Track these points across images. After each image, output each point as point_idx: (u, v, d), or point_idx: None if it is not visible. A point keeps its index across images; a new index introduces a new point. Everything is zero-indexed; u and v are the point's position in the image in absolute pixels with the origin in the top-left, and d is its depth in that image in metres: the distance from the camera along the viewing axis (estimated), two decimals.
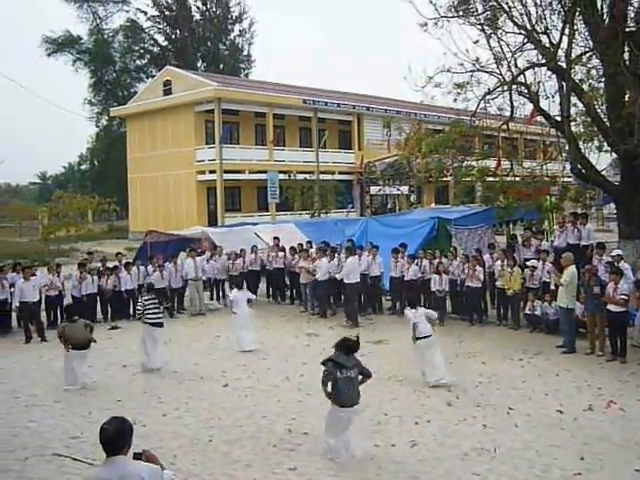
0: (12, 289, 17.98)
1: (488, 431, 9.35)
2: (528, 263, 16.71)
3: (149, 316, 13.54)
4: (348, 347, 8.72)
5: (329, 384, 8.62)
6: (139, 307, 13.88)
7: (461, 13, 18.45)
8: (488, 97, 19.13)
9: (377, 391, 11.39)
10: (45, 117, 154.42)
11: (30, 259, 24.63)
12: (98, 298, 19.34)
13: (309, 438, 9.30)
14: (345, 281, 17.76)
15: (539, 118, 20.81)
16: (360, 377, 8.83)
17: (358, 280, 17.76)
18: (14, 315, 18.09)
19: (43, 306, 18.42)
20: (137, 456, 4.88)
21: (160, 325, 13.70)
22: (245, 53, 70.38)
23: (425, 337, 11.87)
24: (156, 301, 13.85)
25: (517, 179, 20.61)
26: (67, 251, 35.46)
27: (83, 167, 78.06)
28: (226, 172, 40.54)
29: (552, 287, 15.36)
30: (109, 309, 19.41)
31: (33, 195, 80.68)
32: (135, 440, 8.99)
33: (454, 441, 8.99)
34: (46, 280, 18.50)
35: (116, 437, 4.74)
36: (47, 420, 10.26)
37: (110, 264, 20.31)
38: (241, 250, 21.45)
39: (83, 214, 37.50)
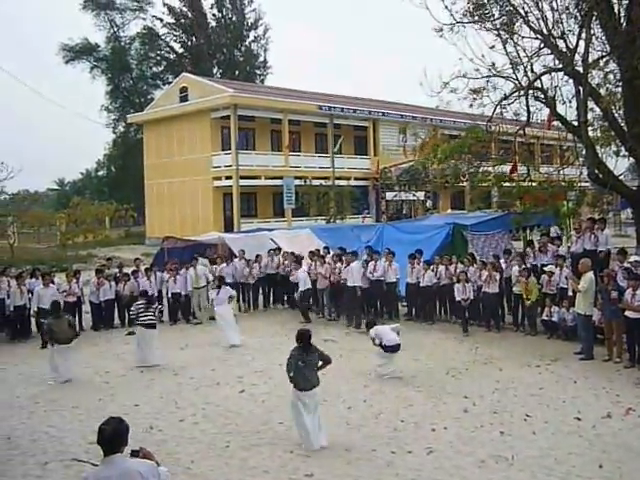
0: (30, 295, 18.18)
1: (505, 438, 9.31)
2: (546, 268, 16.62)
3: (142, 319, 14.62)
4: (307, 337, 9.55)
5: (292, 371, 9.43)
6: (133, 311, 15.14)
7: (477, 18, 18.43)
8: (504, 102, 19.08)
9: (393, 397, 11.43)
10: (63, 124, 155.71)
11: (48, 265, 24.83)
12: (115, 304, 19.46)
13: (326, 444, 9.28)
14: (348, 284, 18.27)
15: (556, 123, 20.72)
16: (320, 363, 9.61)
17: (360, 284, 18.17)
18: (33, 321, 18.25)
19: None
20: (134, 453, 5.11)
21: (153, 327, 14.69)
22: (260, 59, 70.66)
23: (392, 346, 12.71)
24: (148, 305, 14.92)
25: (534, 184, 20.51)
26: (85, 257, 35.71)
27: (100, 173, 78.44)
28: (242, 178, 40.67)
29: (570, 293, 15.26)
30: (126, 315, 19.50)
31: (51, 201, 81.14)
32: (152, 446, 9.15)
33: (471, 448, 8.96)
34: (63, 286, 18.64)
35: (114, 436, 4.94)
36: (66, 425, 10.33)
37: (128, 269, 20.45)
38: (257, 256, 21.46)
39: (100, 220, 37.70)
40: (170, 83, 54.56)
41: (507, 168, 21.80)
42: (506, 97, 18.95)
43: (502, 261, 17.46)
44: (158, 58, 67.39)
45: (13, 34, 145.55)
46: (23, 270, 20.18)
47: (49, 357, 13.42)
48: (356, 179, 46.82)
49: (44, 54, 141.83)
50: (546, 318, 16.05)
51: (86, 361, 14.95)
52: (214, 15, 67.44)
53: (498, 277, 16.72)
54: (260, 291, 21.74)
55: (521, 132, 20.18)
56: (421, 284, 18.13)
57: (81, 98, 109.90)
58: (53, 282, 17.92)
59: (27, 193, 44.28)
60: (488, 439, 9.30)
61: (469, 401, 11.07)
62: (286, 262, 20.92)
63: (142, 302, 14.99)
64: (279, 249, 21.69)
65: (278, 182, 41.78)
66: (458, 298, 16.94)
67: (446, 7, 18.20)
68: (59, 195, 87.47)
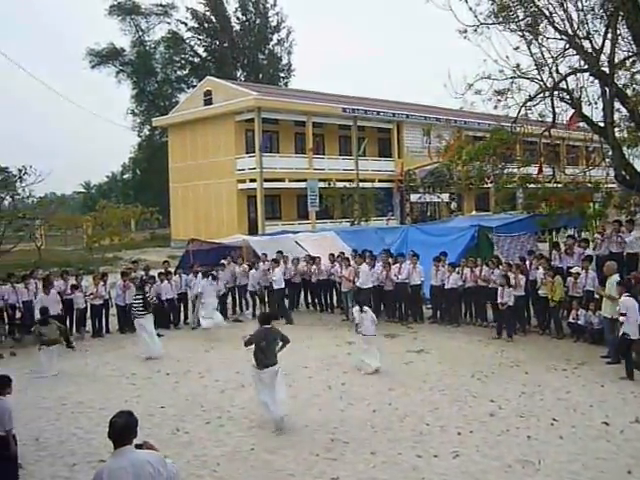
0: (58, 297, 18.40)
1: (532, 443, 9.24)
2: (572, 270, 16.47)
3: (137, 309, 16.10)
4: (267, 318, 10.95)
5: (252, 346, 10.52)
6: (133, 309, 16.51)
7: (501, 20, 18.32)
8: (529, 104, 18.92)
9: (418, 401, 11.39)
10: (89, 128, 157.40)
11: (75, 267, 25.08)
12: None
13: (351, 447, 9.30)
14: (358, 286, 18.52)
15: (581, 124, 20.53)
16: (281, 343, 10.62)
17: (370, 286, 18.47)
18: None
19: (88, 314, 18.78)
20: (138, 447, 5.29)
21: (143, 315, 16.01)
22: (284, 62, 70.84)
23: (365, 335, 13.73)
24: (141, 296, 16.31)
25: (559, 186, 20.33)
26: (111, 259, 36.02)
27: (126, 176, 79.24)
28: (266, 181, 40.77)
29: (596, 296, 15.10)
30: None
31: (77, 204, 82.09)
32: (178, 448, 9.24)
33: (497, 452, 8.91)
34: (90, 289, 18.83)
35: (125, 429, 5.15)
36: (93, 427, 10.42)
37: (155, 272, 20.61)
38: (278, 252, 21.38)
39: (126, 223, 38.04)
40: (194, 86, 54.89)
41: (532, 170, 21.63)
42: (531, 98, 18.80)
43: (527, 263, 17.35)
44: (182, 62, 67.85)
45: (43, 40, 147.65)
46: (50, 272, 20.40)
47: (40, 357, 14.40)
48: (380, 181, 46.73)
49: (72, 59, 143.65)
50: (572, 321, 15.90)
51: (112, 363, 15.13)
52: (238, 19, 67.78)
53: (524, 280, 16.60)
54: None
55: (546, 133, 20.01)
56: (446, 286, 18.08)
57: (107, 102, 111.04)
58: (53, 286, 17.91)
59: (54, 196, 44.82)
60: (515, 443, 9.24)
61: (495, 405, 11.01)
62: (314, 267, 20.98)
63: (137, 294, 16.62)
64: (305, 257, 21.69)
65: (302, 185, 41.82)
66: (499, 300, 16.40)
67: (470, 9, 18.11)
68: (85, 198, 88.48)
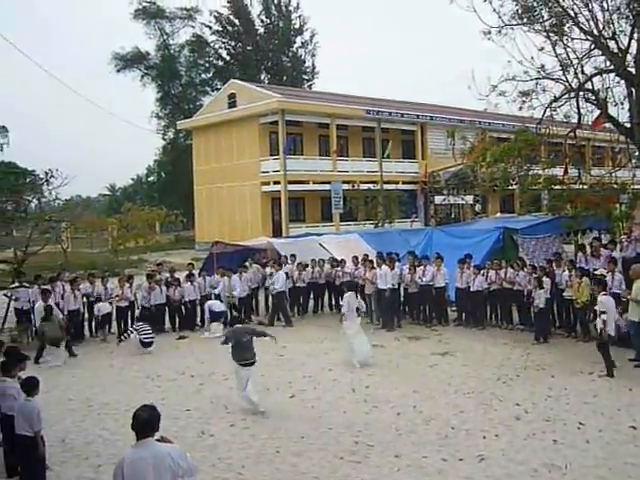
0: (84, 299, 18.62)
1: (558, 447, 9.16)
2: (596, 272, 16.29)
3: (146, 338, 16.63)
4: (233, 320, 13.00)
5: (229, 344, 11.59)
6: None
7: (525, 20, 18.24)
8: (554, 105, 18.84)
9: (443, 404, 11.35)
10: (114, 131, 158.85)
11: (101, 270, 25.31)
12: (166, 308, 19.74)
13: (376, 450, 9.28)
14: (379, 287, 18.53)
15: (607, 125, 20.36)
16: (257, 338, 11.76)
17: (388, 287, 18.37)
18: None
19: (114, 316, 18.96)
20: (158, 441, 5.43)
21: (150, 345, 16.61)
22: (308, 64, 70.91)
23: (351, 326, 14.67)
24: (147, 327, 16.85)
25: (585, 187, 20.18)
26: (136, 262, 36.25)
27: (151, 179, 79.78)
28: (290, 183, 40.87)
29: (623, 299, 14.93)
30: (177, 319, 19.76)
31: (103, 207, 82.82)
32: (204, 451, 9.28)
33: (523, 456, 8.84)
34: (116, 291, 19.01)
35: (148, 422, 5.34)
36: (119, 428, 10.49)
37: (181, 274, 20.73)
38: (292, 255, 21.61)
39: (151, 225, 38.22)
40: (218, 89, 55.19)
41: (558, 171, 21.47)
42: (556, 99, 18.70)
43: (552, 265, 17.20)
44: (207, 65, 68.18)
45: (67, 44, 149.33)
46: (77, 275, 20.60)
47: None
48: (404, 183, 46.65)
49: (96, 62, 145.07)
50: None
51: (138, 365, 15.25)
52: (262, 21, 67.93)
53: (549, 282, 16.45)
54: (311, 296, 21.84)
55: (572, 134, 19.87)
56: (471, 289, 17.98)
57: (132, 105, 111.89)
58: (51, 293, 17.75)
59: (80, 199, 45.17)
60: (541, 447, 9.16)
61: (521, 408, 10.93)
62: (338, 269, 21.00)
63: (143, 325, 16.98)
64: (329, 259, 21.68)
65: (326, 187, 41.88)
66: (535, 303, 16.19)
67: (494, 10, 18.09)
68: (110, 200, 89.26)
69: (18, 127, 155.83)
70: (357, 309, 15.08)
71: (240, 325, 12.49)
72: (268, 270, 20.85)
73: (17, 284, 18.20)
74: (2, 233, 22.65)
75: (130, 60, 65.24)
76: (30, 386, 8.25)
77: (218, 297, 19.84)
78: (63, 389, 13.27)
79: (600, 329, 12.91)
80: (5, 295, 18.84)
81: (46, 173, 24.26)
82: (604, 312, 12.82)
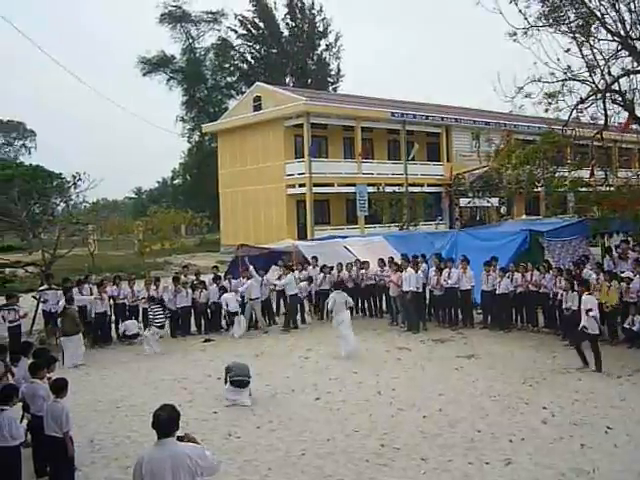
0: (111, 302, 18.81)
1: (586, 451, 9.09)
2: (623, 275, 16.15)
3: (157, 321, 17.38)
4: None
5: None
6: (150, 315, 17.58)
7: (552, 21, 18.13)
8: (581, 106, 18.68)
9: (469, 407, 11.31)
10: (140, 135, 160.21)
11: (127, 272, 25.53)
12: (192, 311, 19.86)
13: (402, 453, 9.28)
14: (404, 289, 18.49)
15: (635, 126, 20.16)
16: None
17: (412, 289, 18.28)
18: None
19: (141, 317, 19.13)
20: (180, 439, 5.52)
21: (162, 327, 17.72)
22: (332, 67, 70.95)
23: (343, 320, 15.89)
24: (162, 309, 17.76)
25: (612, 189, 19.98)
26: (162, 264, 36.51)
27: (176, 182, 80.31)
28: (315, 185, 40.92)
29: None
30: (202, 322, 19.87)
31: (129, 209, 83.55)
32: (230, 452, 9.34)
33: (550, 460, 8.79)
34: (142, 293, 19.17)
35: (168, 422, 5.42)
36: (146, 430, 10.50)
37: (206, 277, 20.84)
38: (339, 264, 21.62)
39: (176, 228, 38.46)
40: (243, 93, 55.40)
41: (584, 173, 21.29)
42: (583, 101, 18.55)
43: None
44: (232, 68, 68.47)
45: (94, 49, 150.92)
46: (104, 278, 20.81)
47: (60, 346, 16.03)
48: (429, 185, 46.52)
49: (122, 66, 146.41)
50: (627, 326, 15.59)
51: (164, 367, 15.35)
52: (286, 24, 68.09)
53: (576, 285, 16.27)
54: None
55: (598, 136, 19.70)
56: (497, 292, 17.88)
57: (158, 109, 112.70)
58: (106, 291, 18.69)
59: (106, 202, 45.58)
60: (568, 451, 9.10)
61: (547, 412, 10.86)
62: (362, 271, 21.01)
63: (156, 306, 17.65)
64: (355, 262, 21.69)
65: (351, 189, 41.90)
66: (564, 306, 15.89)
67: (520, 11, 18.00)
68: (136, 203, 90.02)
69: (45, 131, 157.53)
70: (346, 304, 16.49)
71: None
72: (296, 274, 20.92)
73: (45, 286, 18.42)
74: (30, 236, 22.88)
75: (156, 64, 65.81)
76: (59, 387, 8.38)
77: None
78: (91, 391, 13.42)
79: (583, 326, 13.49)
80: (34, 297, 19.08)
81: (74, 176, 24.55)
82: (590, 310, 13.36)
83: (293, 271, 20.95)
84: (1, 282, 12.21)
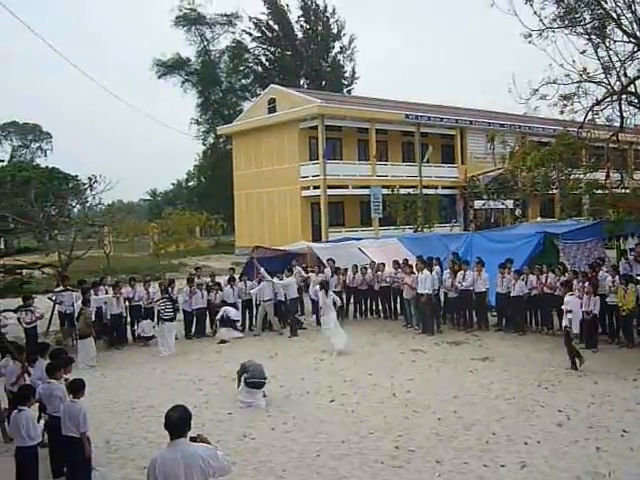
0: (127, 303, 18.92)
1: (602, 454, 9.05)
2: (639, 278, 16.05)
3: (165, 314, 17.52)
4: None
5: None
6: (160, 308, 17.78)
7: (567, 23, 18.05)
8: (596, 108, 18.58)
9: (484, 409, 11.30)
10: (155, 137, 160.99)
11: (142, 274, 25.66)
12: (207, 312, 19.93)
13: (417, 455, 9.29)
14: (419, 291, 18.48)
15: None
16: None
17: (428, 292, 18.28)
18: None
19: (156, 320, 19.22)
20: (192, 439, 5.56)
21: (171, 320, 17.56)
22: (346, 69, 70.97)
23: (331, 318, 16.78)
24: (170, 302, 17.77)
25: (627, 192, 19.86)
26: (177, 266, 36.70)
27: (191, 184, 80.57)
28: (330, 187, 40.94)
29: None
30: (217, 324, 19.92)
31: (144, 211, 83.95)
32: (245, 453, 9.38)
33: (566, 464, 8.77)
34: (157, 295, 19.26)
35: (179, 422, 5.44)
36: (162, 431, 10.53)
37: (221, 279, 20.92)
38: (355, 266, 21.63)
39: (191, 230, 38.61)
40: (258, 95, 55.53)
41: (599, 175, 21.19)
42: (598, 102, 18.45)
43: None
44: (246, 71, 68.61)
45: (109, 51, 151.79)
46: (120, 279, 20.93)
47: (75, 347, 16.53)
48: (444, 187, 46.42)
49: (138, 69, 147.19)
50: None
51: (180, 368, 15.43)
52: (300, 27, 68.20)
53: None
54: (351, 300, 21.90)
55: (614, 138, 19.59)
56: (512, 294, 17.84)
57: (173, 111, 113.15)
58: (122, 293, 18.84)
59: (121, 204, 45.86)
60: (584, 454, 9.07)
61: (563, 415, 10.83)
62: (379, 273, 21.02)
63: (165, 299, 17.87)
64: (371, 264, 21.68)
65: (365, 191, 41.88)
66: (589, 310, 15.67)
67: (535, 12, 17.92)
68: (151, 205, 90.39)
69: (62, 133, 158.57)
70: (334, 304, 17.36)
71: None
72: (313, 276, 20.96)
73: (61, 288, 18.56)
74: (46, 237, 23.06)
75: (171, 66, 66.11)
76: (76, 388, 8.46)
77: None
78: (107, 391, 13.51)
79: (565, 326, 14.07)
80: (50, 299, 19.23)
81: (90, 178, 24.74)
82: (570, 311, 13.99)
83: (308, 273, 20.97)
84: (18, 283, 12.27)
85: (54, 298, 18.83)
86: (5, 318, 15.01)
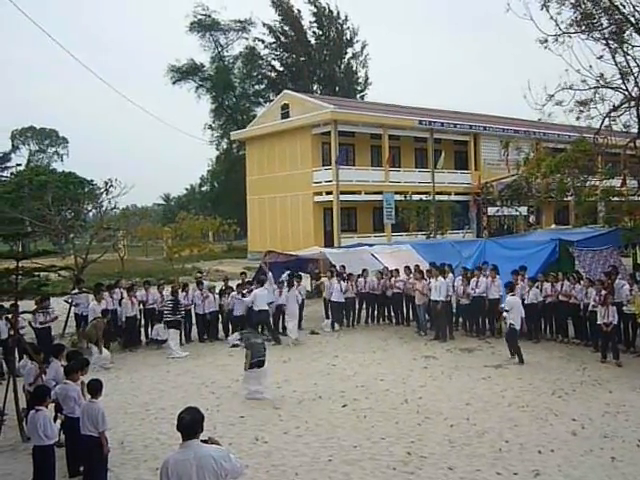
0: (141, 306, 18.96)
1: (617, 464, 8.95)
2: None
3: (167, 313, 17.90)
4: None
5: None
6: (165, 309, 18.06)
7: (584, 28, 17.97)
8: (613, 114, 18.48)
9: (497, 417, 11.22)
10: (169, 142, 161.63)
11: (156, 277, 25.73)
12: (220, 316, 19.93)
13: (429, 462, 9.23)
14: (433, 298, 18.58)
15: None
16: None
17: (442, 299, 18.31)
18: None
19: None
20: (204, 442, 5.55)
21: (174, 326, 17.77)
22: (359, 75, 70.96)
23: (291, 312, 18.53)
24: (176, 306, 18.07)
25: None
26: (190, 270, 36.73)
27: (204, 189, 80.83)
28: (342, 193, 40.96)
29: None
30: (230, 327, 19.91)
31: (157, 216, 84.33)
32: (258, 457, 9.36)
33: (580, 473, 8.68)
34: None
35: (192, 424, 5.44)
36: (175, 433, 10.52)
37: (234, 283, 20.91)
38: (363, 270, 21.55)
39: (204, 234, 38.69)
40: (271, 100, 55.70)
41: (616, 182, 21.06)
42: (615, 108, 18.35)
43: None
44: (260, 76, 68.85)
45: (123, 57, 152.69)
46: (134, 283, 20.98)
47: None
48: (457, 194, 46.34)
49: (153, 75, 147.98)
50: None
51: (193, 371, 15.45)
52: (314, 33, 68.34)
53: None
54: (363, 306, 21.83)
55: (631, 144, 19.46)
56: (525, 301, 17.69)
57: (187, 117, 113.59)
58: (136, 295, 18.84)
59: (135, 208, 46.01)
60: (598, 464, 8.98)
61: (577, 424, 10.73)
62: (392, 280, 20.96)
63: (169, 302, 18.24)
64: (384, 269, 21.60)
65: (378, 197, 41.87)
66: (600, 322, 15.37)
67: (551, 17, 17.87)
68: (164, 209, 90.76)
69: (76, 138, 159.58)
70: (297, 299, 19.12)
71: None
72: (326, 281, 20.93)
73: (77, 290, 18.64)
74: (62, 240, 23.20)
75: (185, 72, 66.40)
76: (95, 388, 8.56)
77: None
78: (121, 393, 13.53)
79: (510, 324, 15.41)
80: (66, 301, 19.31)
81: (105, 183, 24.84)
82: (507, 311, 15.58)
83: (319, 279, 20.93)
84: (36, 285, 12.40)
85: (70, 300, 18.91)
86: (23, 320, 15.16)
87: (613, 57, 17.88)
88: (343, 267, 21.76)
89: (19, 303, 12.22)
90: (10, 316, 12.29)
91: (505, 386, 13.22)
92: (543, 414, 11.30)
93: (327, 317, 21.29)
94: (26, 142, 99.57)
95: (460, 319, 19.62)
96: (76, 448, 8.74)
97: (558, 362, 15.33)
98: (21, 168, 71.23)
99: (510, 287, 16.16)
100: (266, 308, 18.99)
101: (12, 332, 12.36)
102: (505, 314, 15.77)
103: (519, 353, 15.28)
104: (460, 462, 9.20)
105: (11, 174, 69.76)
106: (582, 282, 16.87)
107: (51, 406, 9.18)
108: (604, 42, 17.91)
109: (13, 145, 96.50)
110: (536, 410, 11.55)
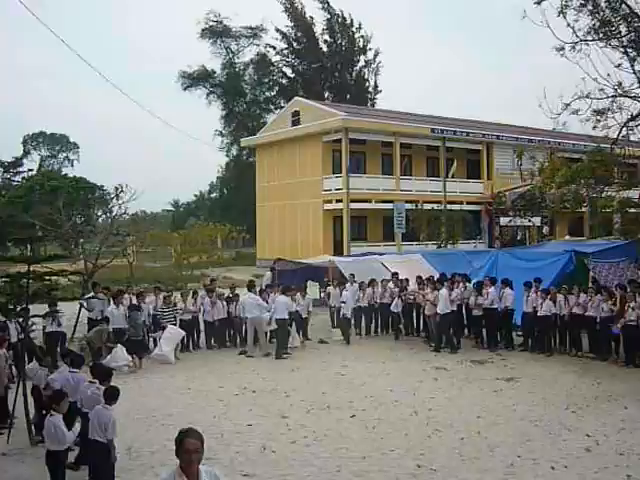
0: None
1: None
2: None
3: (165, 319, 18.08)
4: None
5: None
6: (158, 314, 18.26)
7: (602, 36, 17.73)
8: (631, 123, 18.21)
9: (509, 431, 10.96)
10: (179, 148, 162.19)
11: (165, 284, 25.61)
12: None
13: (439, 475, 9.02)
14: (439, 311, 18.22)
15: None
16: None
17: (447, 311, 18.04)
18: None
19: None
20: None
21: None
22: (371, 83, 70.85)
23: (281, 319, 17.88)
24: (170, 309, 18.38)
25: None
26: (198, 276, 36.66)
27: (213, 195, 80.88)
28: (352, 201, 40.80)
29: None
30: (237, 334, 19.72)
31: (166, 222, 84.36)
32: (265, 466, 9.15)
33: None
34: (179, 305, 19.12)
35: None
36: None
37: (242, 291, 20.73)
38: (372, 280, 21.29)
39: (213, 241, 38.66)
40: (282, 107, 55.69)
41: (632, 193, 20.76)
42: (633, 118, 18.08)
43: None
44: (271, 83, 68.98)
45: (137, 64, 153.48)
46: (143, 289, 20.87)
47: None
48: (468, 203, 46.03)
49: (163, 81, 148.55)
50: None
51: (200, 378, 15.29)
52: (325, 40, 68.34)
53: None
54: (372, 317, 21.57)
55: None
56: (538, 314, 17.39)
57: (198, 123, 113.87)
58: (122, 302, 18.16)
59: (144, 214, 46.10)
60: None
61: (592, 440, 10.44)
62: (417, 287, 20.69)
63: (166, 308, 18.44)
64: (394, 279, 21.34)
65: (389, 206, 41.66)
66: (615, 332, 15.56)
67: (568, 25, 17.63)
68: (173, 216, 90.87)
69: (87, 143, 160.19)
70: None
71: None
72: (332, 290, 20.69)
73: (91, 294, 18.52)
74: (72, 245, 23.16)
75: (196, 78, 66.59)
76: (111, 395, 8.57)
77: None
78: (128, 399, 13.26)
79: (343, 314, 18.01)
80: (81, 304, 19.18)
81: (116, 188, 24.85)
82: (344, 302, 18.09)
83: (327, 286, 20.69)
84: (47, 290, 12.33)
85: (85, 305, 18.78)
86: (33, 323, 15.03)
87: (632, 65, 17.64)
88: (352, 275, 21.51)
89: (30, 307, 12.12)
90: (21, 320, 12.21)
91: (517, 399, 12.95)
92: (556, 429, 11.02)
93: (334, 326, 21.04)
94: (37, 147, 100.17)
95: (471, 330, 19.35)
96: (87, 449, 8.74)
97: (571, 376, 15.02)
98: (32, 173, 71.60)
99: (445, 281, 18.20)
100: (286, 317, 18.23)
101: (22, 336, 12.27)
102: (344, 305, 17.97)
103: (347, 335, 18.40)
104: (471, 476, 8.97)
105: (23, 179, 70.06)
106: (600, 295, 16.49)
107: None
108: (622, 50, 17.66)
109: (24, 150, 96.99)
110: (549, 425, 11.27)
